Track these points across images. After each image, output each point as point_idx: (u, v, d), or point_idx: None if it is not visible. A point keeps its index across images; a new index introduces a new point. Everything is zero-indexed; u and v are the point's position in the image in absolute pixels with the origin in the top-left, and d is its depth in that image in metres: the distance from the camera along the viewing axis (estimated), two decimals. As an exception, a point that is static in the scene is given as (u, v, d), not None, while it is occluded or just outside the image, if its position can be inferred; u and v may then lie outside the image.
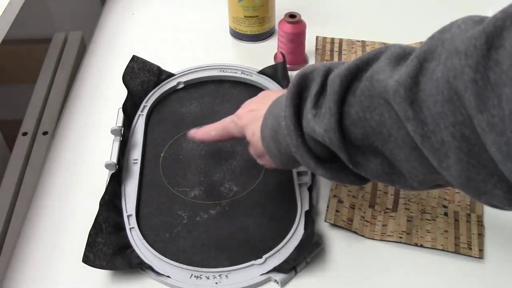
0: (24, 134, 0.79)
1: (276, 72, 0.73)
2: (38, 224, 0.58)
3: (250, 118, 0.53)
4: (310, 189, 0.59)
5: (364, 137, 0.39)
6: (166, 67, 0.75)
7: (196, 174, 0.62)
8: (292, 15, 0.74)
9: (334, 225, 0.56)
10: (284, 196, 0.59)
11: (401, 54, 0.38)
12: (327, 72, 0.42)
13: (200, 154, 0.64)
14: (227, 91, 0.73)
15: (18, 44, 1.12)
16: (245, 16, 0.79)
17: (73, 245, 0.55)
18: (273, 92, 0.56)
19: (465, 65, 0.31)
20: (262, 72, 0.75)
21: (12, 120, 0.90)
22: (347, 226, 0.56)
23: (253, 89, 0.73)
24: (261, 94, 0.57)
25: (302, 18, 0.74)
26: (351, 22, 0.87)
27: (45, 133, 0.79)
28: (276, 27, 0.82)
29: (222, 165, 0.63)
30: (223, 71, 0.75)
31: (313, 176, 0.60)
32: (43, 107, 0.84)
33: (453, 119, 0.32)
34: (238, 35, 0.83)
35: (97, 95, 0.74)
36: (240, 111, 0.55)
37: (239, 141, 0.65)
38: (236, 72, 0.75)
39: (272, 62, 0.78)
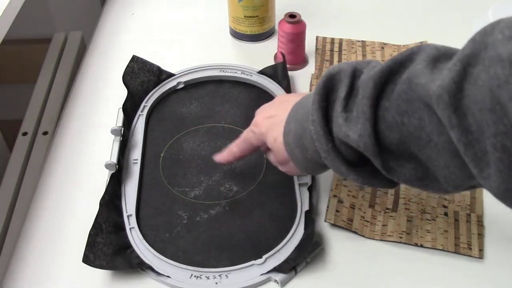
0: (24, 134, 0.79)
1: (276, 72, 0.73)
2: (38, 224, 0.58)
3: (269, 124, 0.51)
4: (310, 189, 0.59)
5: (400, 142, 0.38)
6: (166, 67, 0.75)
7: (196, 174, 0.62)
8: (292, 15, 0.74)
9: (334, 225, 0.56)
10: (284, 196, 0.59)
11: (437, 56, 0.37)
12: (354, 73, 0.42)
13: (200, 154, 0.64)
14: (227, 91, 0.73)
15: (18, 44, 1.12)
16: (245, 16, 0.79)
17: (73, 245, 0.55)
18: (290, 96, 0.54)
19: (509, 74, 0.30)
20: (262, 72, 0.75)
21: (12, 120, 0.90)
22: (347, 226, 0.56)
23: (253, 89, 0.73)
24: (276, 99, 0.55)
25: (302, 18, 0.74)
26: (351, 22, 0.87)
27: (45, 133, 0.79)
28: (276, 27, 0.82)
29: (222, 165, 0.63)
30: (223, 71, 0.75)
31: (313, 176, 0.60)
32: (43, 107, 0.84)
33: (495, 129, 0.31)
34: (238, 35, 0.83)
35: (97, 95, 0.74)
36: (257, 118, 0.54)
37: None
38: (236, 72, 0.75)
39: (272, 62, 0.78)
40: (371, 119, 0.39)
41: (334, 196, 0.58)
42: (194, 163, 0.63)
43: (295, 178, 0.60)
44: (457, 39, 0.80)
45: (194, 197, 0.60)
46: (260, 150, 0.57)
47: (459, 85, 0.33)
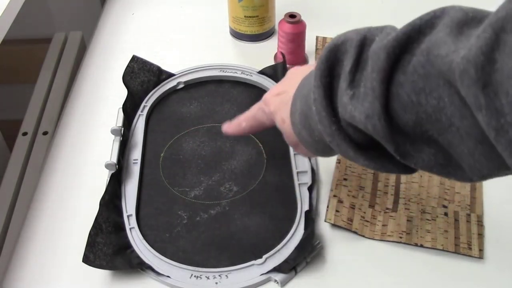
0: (24, 134, 0.79)
1: (276, 72, 0.73)
2: (38, 224, 0.58)
3: (278, 103, 0.46)
4: (310, 189, 0.59)
5: (417, 124, 0.32)
6: (166, 67, 0.75)
7: (196, 174, 0.62)
8: (292, 15, 0.74)
9: (334, 225, 0.56)
10: (284, 196, 0.59)
11: (464, 20, 0.31)
12: (363, 42, 0.35)
13: (200, 154, 0.64)
14: (227, 91, 0.73)
15: (18, 44, 1.12)
16: (245, 16, 0.79)
17: (73, 245, 0.55)
18: (303, 69, 0.47)
19: None
20: (262, 72, 0.75)
21: (12, 120, 0.90)
22: (347, 226, 0.56)
23: (253, 89, 0.73)
24: (289, 73, 0.49)
25: (302, 18, 0.74)
26: (351, 22, 0.86)
27: (45, 133, 0.79)
28: (276, 27, 0.82)
29: (222, 165, 0.63)
30: (223, 71, 0.75)
31: (313, 176, 0.60)
32: (43, 107, 0.84)
33: None
34: (238, 35, 0.83)
35: (97, 95, 0.74)
36: (267, 95, 0.49)
37: (238, 141, 0.66)
38: (236, 72, 0.75)
39: (272, 62, 0.78)
40: (382, 96, 0.33)
41: (334, 196, 0.58)
42: (194, 163, 0.63)
43: (295, 178, 0.60)
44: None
45: (194, 197, 0.60)
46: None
47: (490, 56, 0.27)
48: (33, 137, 0.78)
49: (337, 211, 0.57)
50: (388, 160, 0.37)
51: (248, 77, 0.74)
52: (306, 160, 0.62)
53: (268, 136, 0.66)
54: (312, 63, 0.49)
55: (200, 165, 0.63)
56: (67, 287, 0.53)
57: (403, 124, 0.33)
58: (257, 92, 0.73)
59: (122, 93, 0.69)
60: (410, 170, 0.38)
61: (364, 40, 0.36)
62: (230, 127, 0.56)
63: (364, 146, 0.37)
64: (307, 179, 0.60)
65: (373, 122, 0.33)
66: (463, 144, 0.31)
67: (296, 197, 0.58)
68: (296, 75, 0.45)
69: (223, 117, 0.69)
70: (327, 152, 0.43)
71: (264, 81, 0.73)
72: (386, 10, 0.89)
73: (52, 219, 0.58)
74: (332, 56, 0.37)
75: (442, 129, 0.32)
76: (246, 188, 0.61)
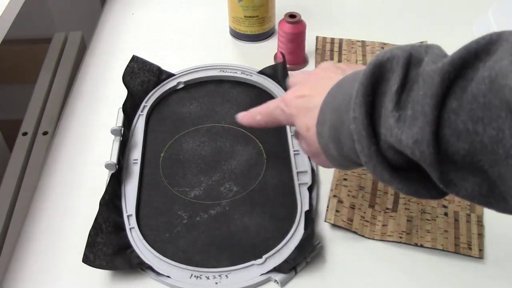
0: (24, 134, 0.79)
1: (276, 72, 0.73)
2: (38, 224, 0.58)
3: (301, 107, 0.44)
4: (310, 189, 0.59)
5: (468, 153, 0.31)
6: (166, 67, 0.75)
7: (196, 174, 0.62)
8: (292, 15, 0.74)
9: (334, 225, 0.56)
10: (284, 196, 0.59)
11: None
12: (409, 60, 0.34)
13: (200, 154, 0.64)
14: (227, 91, 0.73)
15: (18, 44, 1.12)
16: (245, 16, 0.79)
17: (73, 245, 0.55)
18: (328, 72, 0.45)
19: None
20: (262, 72, 0.75)
21: (12, 120, 0.90)
22: (347, 226, 0.56)
23: (253, 89, 0.73)
24: (314, 72, 0.47)
25: (302, 18, 0.74)
26: (351, 22, 0.87)
27: (45, 133, 0.79)
28: (276, 27, 0.82)
29: (222, 165, 0.63)
30: (223, 71, 0.75)
31: (313, 176, 0.60)
32: (43, 107, 0.84)
33: None
34: (238, 35, 0.83)
35: (97, 95, 0.74)
36: (288, 95, 0.47)
37: (238, 141, 0.66)
38: (236, 72, 0.75)
39: (272, 62, 0.78)
40: (434, 122, 0.31)
41: (334, 196, 0.58)
42: (194, 163, 0.63)
43: (295, 178, 0.60)
44: (457, 39, 0.80)
45: (194, 197, 0.60)
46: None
47: None
48: (33, 137, 0.78)
49: (337, 211, 0.57)
50: (423, 185, 0.36)
51: (248, 77, 0.74)
52: (306, 160, 0.62)
53: (268, 136, 0.66)
54: (328, 65, 0.47)
55: (200, 165, 0.63)
56: (67, 287, 0.53)
57: (453, 152, 0.32)
58: (257, 92, 0.73)
59: (122, 93, 0.69)
60: (441, 195, 0.37)
61: (410, 58, 0.34)
62: (245, 117, 0.53)
63: (399, 169, 0.36)
64: (307, 179, 0.60)
65: (422, 148, 0.32)
66: None
67: (296, 197, 0.58)
68: (322, 80, 0.43)
69: (223, 117, 0.69)
70: (349, 167, 0.42)
71: (264, 81, 0.73)
72: (386, 10, 0.89)
73: (52, 219, 0.58)
74: (377, 73, 0.35)
75: (496, 160, 0.30)
76: (246, 188, 0.61)
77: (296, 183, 0.60)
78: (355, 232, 0.56)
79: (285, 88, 0.71)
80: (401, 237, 0.55)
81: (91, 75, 0.78)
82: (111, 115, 0.66)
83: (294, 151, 0.63)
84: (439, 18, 0.87)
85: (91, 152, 0.66)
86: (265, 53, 0.80)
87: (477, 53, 0.31)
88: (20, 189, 0.70)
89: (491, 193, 0.32)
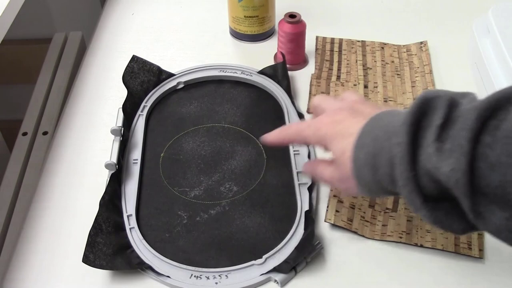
0: (24, 134, 0.79)
1: (276, 72, 0.74)
2: (38, 224, 0.58)
3: (335, 132, 0.47)
4: (310, 189, 0.59)
5: (500, 185, 0.34)
6: (166, 67, 0.75)
7: (196, 174, 0.62)
8: (292, 15, 0.74)
9: (334, 225, 0.56)
10: (284, 196, 0.59)
11: None
12: (452, 103, 0.38)
13: (200, 154, 0.65)
14: (227, 91, 0.73)
15: (18, 44, 1.12)
16: (245, 16, 0.79)
17: (73, 245, 0.55)
18: (364, 106, 0.49)
19: None
20: (262, 72, 0.75)
21: (12, 120, 0.90)
22: (347, 226, 0.56)
23: (253, 89, 0.73)
24: (348, 103, 0.50)
25: (302, 18, 0.74)
26: (351, 22, 0.87)
27: (45, 133, 0.79)
28: (276, 27, 0.82)
29: (222, 165, 0.63)
30: (223, 71, 0.75)
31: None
32: (43, 107, 0.84)
33: None
34: (238, 35, 0.83)
35: (97, 95, 0.74)
36: (324, 119, 0.49)
37: (238, 141, 0.66)
38: (236, 72, 0.75)
39: (272, 62, 0.78)
40: (469, 153, 0.34)
41: (334, 196, 0.58)
42: (194, 163, 0.63)
43: (295, 178, 0.60)
44: (457, 39, 0.81)
45: (194, 197, 0.60)
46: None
47: None
48: (33, 137, 0.78)
49: (337, 211, 0.57)
50: (449, 216, 0.38)
51: (248, 77, 0.74)
52: (306, 160, 0.62)
53: None
54: (356, 97, 0.51)
55: (200, 165, 0.63)
56: (67, 287, 0.52)
57: (485, 184, 0.34)
58: (257, 92, 0.73)
59: (122, 93, 0.69)
60: (468, 230, 0.39)
61: (452, 101, 0.38)
62: (271, 137, 0.55)
63: (430, 199, 0.39)
64: (307, 179, 0.60)
65: (457, 176, 0.35)
66: None
67: (296, 197, 0.58)
68: (358, 111, 0.47)
69: (223, 117, 0.69)
70: (377, 193, 0.45)
71: (264, 81, 0.73)
72: (386, 10, 0.89)
73: (52, 219, 0.58)
74: (424, 108, 0.39)
75: None
76: (246, 188, 0.61)
77: (296, 183, 0.60)
78: (355, 232, 0.56)
79: (285, 88, 0.71)
80: (401, 237, 0.55)
81: (91, 75, 0.78)
82: (111, 115, 0.66)
83: (294, 151, 0.63)
84: (439, 18, 0.87)
85: (91, 152, 0.66)
86: (265, 53, 0.80)
87: (509, 97, 0.35)
88: (20, 189, 0.70)
89: None
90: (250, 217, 0.58)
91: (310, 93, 0.73)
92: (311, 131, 0.50)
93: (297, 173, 0.61)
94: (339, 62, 0.78)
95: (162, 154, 0.65)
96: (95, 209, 0.55)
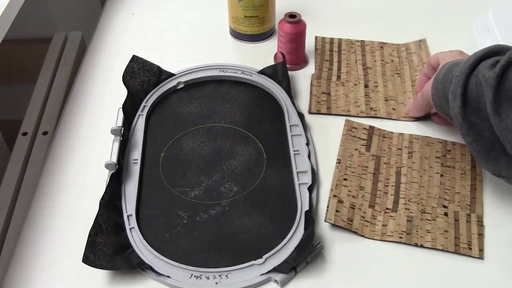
0: (24, 134, 0.79)
1: (276, 72, 0.73)
2: (38, 224, 0.58)
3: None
4: (310, 189, 0.59)
5: None
6: (166, 67, 0.75)
7: (196, 174, 0.62)
8: (292, 15, 0.74)
9: (334, 225, 0.56)
10: (284, 196, 0.59)
11: None
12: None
13: (200, 154, 0.65)
14: (227, 91, 0.73)
15: (18, 44, 1.12)
16: (245, 16, 0.79)
17: (73, 245, 0.55)
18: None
19: None
20: (262, 72, 0.75)
21: (12, 120, 0.90)
22: (347, 226, 0.56)
23: (253, 89, 0.73)
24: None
25: (302, 18, 0.74)
26: (351, 22, 0.87)
27: (45, 133, 0.79)
28: (276, 27, 0.82)
29: (222, 165, 0.63)
30: (223, 71, 0.75)
31: (313, 176, 0.60)
32: (43, 107, 0.84)
33: None
34: (238, 35, 0.83)
35: (97, 95, 0.74)
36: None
37: (238, 141, 0.65)
38: (236, 72, 0.75)
39: (272, 62, 0.78)
40: (504, 66, 0.50)
41: (334, 196, 0.58)
42: (194, 163, 0.63)
43: (295, 178, 0.60)
44: (457, 39, 0.81)
45: (194, 197, 0.60)
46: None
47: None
48: (33, 137, 0.78)
49: (337, 211, 0.57)
50: (480, 125, 0.53)
51: (248, 77, 0.74)
52: (306, 160, 0.62)
53: (268, 136, 0.66)
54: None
55: (200, 165, 0.63)
56: (67, 287, 0.53)
57: (508, 88, 0.50)
58: (257, 92, 0.73)
59: (122, 93, 0.69)
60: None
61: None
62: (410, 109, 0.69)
63: (470, 113, 0.54)
64: (307, 179, 0.60)
65: (494, 75, 0.51)
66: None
67: (296, 197, 0.58)
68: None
69: (223, 117, 0.69)
70: (440, 110, 0.61)
71: (264, 81, 0.73)
72: (386, 10, 0.89)
73: (52, 219, 0.58)
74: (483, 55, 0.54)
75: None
76: (246, 188, 0.61)
77: (296, 183, 0.60)
78: (355, 232, 0.56)
79: (285, 88, 0.71)
80: (401, 237, 0.55)
81: (91, 75, 0.78)
82: (111, 115, 0.66)
83: (294, 151, 0.63)
84: (439, 18, 0.87)
85: (91, 152, 0.66)
86: (265, 53, 0.80)
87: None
88: (20, 189, 0.70)
89: None
90: (250, 217, 0.58)
91: (310, 93, 0.73)
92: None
93: (297, 173, 0.61)
94: (339, 62, 0.78)
95: (162, 154, 0.65)
96: (95, 209, 0.55)
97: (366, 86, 0.74)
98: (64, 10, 1.15)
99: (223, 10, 0.83)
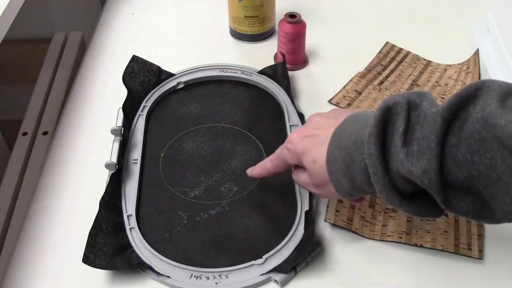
0: (24, 134, 0.79)
1: (276, 72, 0.73)
2: (38, 224, 0.58)
3: (307, 144, 0.50)
4: None
5: (467, 179, 0.38)
6: (166, 67, 0.75)
7: (196, 174, 0.62)
8: (292, 15, 0.74)
9: (334, 225, 0.56)
10: (284, 196, 0.59)
11: (504, 94, 0.37)
12: (409, 106, 0.41)
13: (200, 154, 0.64)
14: (227, 91, 0.73)
15: (18, 44, 1.12)
16: (245, 16, 0.79)
17: (73, 245, 0.55)
18: (325, 119, 0.51)
19: None
20: (262, 72, 0.75)
21: (12, 120, 0.90)
22: (347, 226, 0.56)
23: (253, 89, 0.73)
24: (311, 121, 0.53)
25: (302, 18, 0.74)
26: (351, 22, 0.87)
27: (45, 133, 0.79)
28: (276, 27, 0.82)
29: (222, 165, 0.63)
30: (223, 71, 0.75)
31: None
32: (43, 107, 0.84)
33: None
34: (238, 35, 0.83)
35: (97, 95, 0.74)
36: (293, 136, 0.52)
37: (238, 141, 0.66)
38: (236, 72, 0.75)
39: (272, 62, 0.78)
40: (438, 155, 0.38)
41: (334, 196, 0.58)
42: (194, 163, 0.63)
43: None
44: (457, 39, 0.81)
45: (194, 197, 0.60)
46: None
47: None
48: (33, 137, 0.78)
49: (337, 211, 0.57)
50: (425, 206, 0.42)
51: (248, 77, 0.74)
52: None
53: (268, 136, 0.66)
54: (319, 116, 0.53)
55: (200, 165, 0.63)
56: (67, 287, 0.53)
57: (453, 179, 0.39)
58: (257, 92, 0.73)
59: (122, 93, 0.69)
60: (439, 215, 0.43)
61: (409, 104, 0.42)
62: (256, 170, 0.58)
63: (406, 195, 0.43)
64: None
65: (430, 177, 0.39)
66: (508, 195, 0.36)
67: (296, 197, 0.58)
68: (324, 123, 0.50)
69: (223, 117, 0.69)
70: (356, 195, 0.48)
71: (264, 81, 0.73)
72: (386, 10, 0.89)
73: (52, 219, 0.58)
74: (386, 116, 0.42)
75: (489, 183, 0.37)
76: (246, 188, 0.61)
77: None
78: (355, 232, 0.56)
79: (285, 88, 0.71)
80: (401, 237, 0.55)
81: (91, 75, 0.78)
82: (111, 115, 0.66)
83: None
84: (439, 18, 0.87)
85: (91, 152, 0.66)
86: (265, 53, 0.80)
87: (468, 98, 0.38)
88: (20, 189, 0.70)
89: (483, 209, 0.39)
90: (250, 217, 0.58)
91: (344, 87, 0.73)
92: (287, 151, 0.53)
93: None
94: (392, 70, 0.76)
95: (162, 154, 0.65)
96: (95, 209, 0.55)
97: None
98: (64, 10, 1.15)
99: (223, 10, 0.83)
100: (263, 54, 0.80)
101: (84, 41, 0.98)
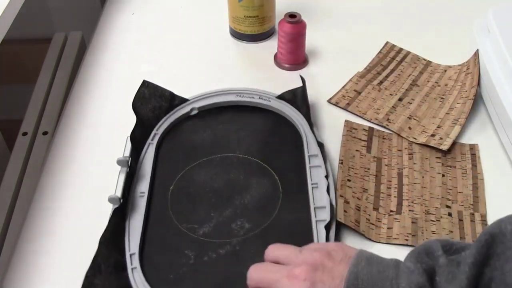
0: (24, 134, 0.79)
1: (295, 97, 0.69)
2: (38, 224, 0.58)
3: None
4: (328, 227, 0.54)
5: None
6: (166, 67, 0.75)
7: (207, 209, 0.57)
8: (292, 15, 0.74)
9: (340, 227, 0.55)
10: (300, 234, 0.54)
11: None
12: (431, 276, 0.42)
13: (212, 187, 0.59)
14: (244, 117, 0.68)
15: (18, 44, 1.12)
16: (245, 16, 0.79)
17: (72, 245, 0.55)
18: (331, 261, 0.46)
19: None
20: (280, 97, 0.69)
21: (12, 120, 0.90)
22: (355, 227, 0.55)
23: (271, 115, 0.68)
24: (314, 259, 0.46)
25: (302, 18, 0.74)
26: (351, 22, 0.87)
27: (45, 133, 0.79)
28: (276, 27, 0.82)
29: (235, 199, 0.58)
30: (240, 96, 0.69)
31: (332, 212, 0.55)
32: (43, 107, 0.84)
33: None
34: (238, 35, 0.82)
35: (97, 95, 0.74)
36: (300, 272, 0.44)
37: (253, 173, 0.61)
38: (254, 97, 0.69)
39: (272, 62, 0.77)
40: None
41: (341, 196, 0.58)
42: (205, 197, 0.58)
43: (312, 214, 0.55)
44: (457, 39, 0.81)
45: (203, 235, 0.55)
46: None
47: None
48: (33, 137, 0.78)
49: (344, 211, 0.56)
50: None
51: (266, 102, 0.69)
52: (324, 194, 0.57)
53: (285, 168, 0.61)
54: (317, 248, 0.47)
55: (211, 199, 0.58)
56: (67, 287, 0.52)
57: None
58: (275, 119, 0.68)
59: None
60: None
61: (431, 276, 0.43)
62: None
63: None
64: (325, 215, 0.55)
65: None
66: None
67: (313, 235, 0.53)
68: (332, 269, 0.45)
69: (238, 146, 0.65)
70: None
71: (283, 106, 0.68)
72: (386, 10, 0.89)
73: (52, 219, 0.58)
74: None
75: None
76: (259, 225, 0.56)
77: (313, 219, 0.54)
78: (362, 234, 0.55)
79: (304, 114, 0.67)
80: (407, 240, 0.55)
81: (91, 75, 0.77)
82: (111, 115, 0.66)
83: (312, 184, 0.58)
84: (439, 18, 0.87)
85: (91, 152, 0.66)
86: (265, 53, 0.80)
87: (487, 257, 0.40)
88: (20, 189, 0.70)
89: None
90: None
91: (343, 87, 0.72)
92: (287, 280, 0.45)
93: (315, 208, 0.56)
94: (392, 70, 0.76)
95: (171, 187, 0.60)
96: (95, 209, 0.54)
97: (400, 99, 0.71)
98: (64, 10, 1.15)
99: (223, 10, 0.83)
100: (263, 54, 0.80)
101: (84, 41, 0.98)
